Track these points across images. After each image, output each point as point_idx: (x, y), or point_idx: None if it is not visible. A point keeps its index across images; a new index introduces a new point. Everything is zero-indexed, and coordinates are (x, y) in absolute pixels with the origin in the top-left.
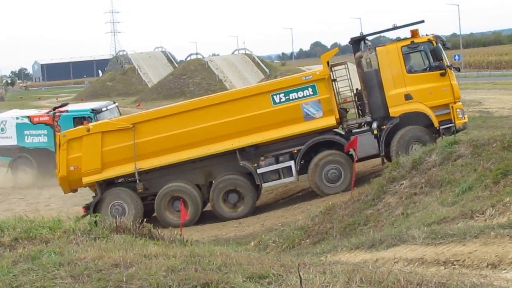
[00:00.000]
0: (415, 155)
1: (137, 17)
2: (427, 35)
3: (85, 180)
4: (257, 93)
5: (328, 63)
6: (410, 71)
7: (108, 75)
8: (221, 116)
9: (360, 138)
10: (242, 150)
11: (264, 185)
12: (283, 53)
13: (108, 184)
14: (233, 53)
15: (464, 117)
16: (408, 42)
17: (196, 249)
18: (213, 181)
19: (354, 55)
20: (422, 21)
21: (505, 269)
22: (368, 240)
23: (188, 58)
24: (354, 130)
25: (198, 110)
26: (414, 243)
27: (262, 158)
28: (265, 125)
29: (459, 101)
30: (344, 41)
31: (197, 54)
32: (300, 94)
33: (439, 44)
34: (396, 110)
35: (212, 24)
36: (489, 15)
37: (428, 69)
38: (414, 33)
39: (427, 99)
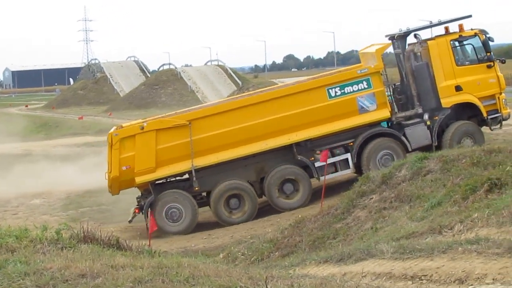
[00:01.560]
0: (385, 170)
1: (110, 26)
2: (472, 29)
3: (139, 179)
4: (313, 87)
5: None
6: (459, 64)
7: (79, 84)
8: (277, 111)
9: (413, 129)
10: (297, 144)
11: (322, 178)
12: (256, 65)
13: (157, 184)
14: (206, 64)
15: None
16: (457, 36)
17: (164, 260)
18: (268, 173)
19: (399, 50)
20: (470, 16)
21: (471, 285)
22: (336, 254)
23: (161, 68)
24: (407, 122)
25: (254, 105)
26: (383, 257)
27: (318, 151)
28: (321, 119)
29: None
30: (317, 54)
31: (169, 64)
32: (355, 87)
33: (486, 37)
34: (447, 101)
35: (185, 34)
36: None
37: (476, 61)
38: (461, 27)
39: (475, 90)
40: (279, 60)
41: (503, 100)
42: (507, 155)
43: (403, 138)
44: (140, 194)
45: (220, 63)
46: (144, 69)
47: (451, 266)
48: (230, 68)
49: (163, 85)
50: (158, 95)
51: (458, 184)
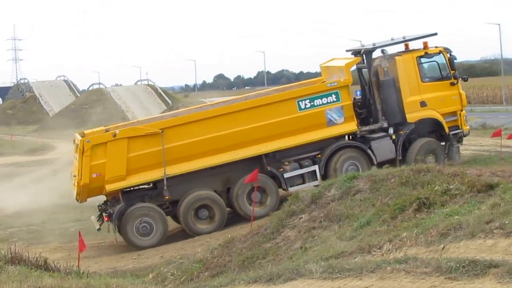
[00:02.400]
0: (315, 190)
1: (40, 45)
2: (436, 47)
3: (109, 187)
4: (283, 99)
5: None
6: (424, 80)
7: (8, 103)
8: (248, 122)
9: (379, 143)
10: (266, 155)
11: (290, 189)
12: (186, 85)
13: (125, 192)
14: (136, 83)
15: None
16: (423, 52)
17: (92, 281)
18: (236, 183)
19: (363, 65)
20: (435, 34)
21: None
22: (266, 273)
23: (91, 88)
24: (372, 136)
25: (227, 115)
26: (312, 277)
27: (286, 162)
28: (290, 130)
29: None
30: (248, 73)
31: (99, 84)
32: (325, 100)
33: (451, 55)
34: (412, 116)
35: (115, 54)
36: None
37: (440, 78)
38: (425, 45)
39: (439, 106)
40: (210, 80)
41: (464, 117)
42: (435, 175)
43: (369, 152)
44: (103, 201)
45: (150, 83)
46: (74, 88)
47: (380, 286)
48: (160, 88)
49: (93, 105)
50: (88, 114)
51: (387, 203)
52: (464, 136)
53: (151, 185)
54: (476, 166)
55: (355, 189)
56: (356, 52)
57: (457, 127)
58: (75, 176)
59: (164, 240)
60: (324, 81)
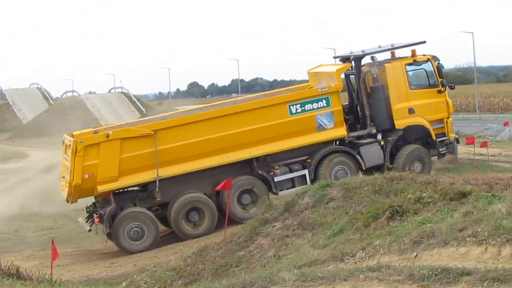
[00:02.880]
0: (288, 197)
1: (13, 52)
2: (424, 55)
3: (101, 188)
4: (275, 104)
5: (348, 74)
6: (412, 87)
7: None
8: (240, 125)
9: (368, 149)
10: (257, 159)
11: (280, 193)
12: (160, 93)
13: (115, 193)
14: (109, 91)
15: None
16: (411, 60)
17: None
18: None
19: (352, 71)
20: (424, 42)
21: None
22: (239, 282)
23: (64, 95)
24: (361, 141)
25: (219, 118)
26: (284, 285)
27: (276, 166)
28: (281, 134)
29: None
30: (222, 81)
31: (73, 91)
32: (315, 105)
33: (439, 63)
34: (401, 122)
35: (89, 61)
36: None
37: (428, 86)
38: (413, 53)
39: (427, 113)
40: (184, 87)
41: (450, 125)
42: (408, 183)
43: (358, 157)
44: (92, 203)
45: (124, 90)
46: (48, 96)
47: None
48: (134, 95)
49: (67, 113)
50: (62, 122)
51: (360, 211)
52: (451, 143)
53: (139, 187)
54: (449, 174)
55: (328, 197)
56: (345, 59)
57: (443, 134)
58: (63, 177)
59: (155, 244)
60: (312, 87)
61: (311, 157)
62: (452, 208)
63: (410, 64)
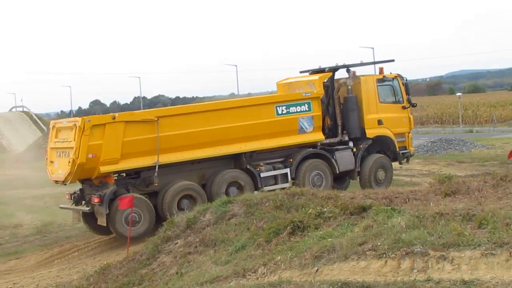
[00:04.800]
0: (189, 214)
1: None
2: (391, 73)
3: (103, 169)
4: (265, 103)
5: (323, 84)
6: (381, 101)
7: None
8: (234, 120)
9: (342, 154)
10: (245, 154)
11: (265, 188)
12: (62, 111)
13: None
14: (10, 110)
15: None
16: (381, 76)
17: None
18: (215, 177)
19: (326, 82)
20: (392, 60)
21: None
22: None
23: None
24: (336, 147)
25: (217, 111)
26: None
27: (261, 163)
28: (267, 133)
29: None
30: (124, 99)
31: None
32: (298, 108)
33: (406, 82)
34: (371, 132)
35: None
36: None
37: (394, 101)
38: (381, 70)
39: (392, 126)
40: (86, 106)
41: (411, 139)
42: (309, 198)
43: (333, 161)
44: (79, 189)
45: (25, 109)
46: None
47: None
48: (35, 114)
49: None
50: None
51: (261, 227)
52: (411, 156)
53: (133, 174)
54: (351, 188)
55: (230, 214)
56: (318, 71)
57: (405, 148)
58: (52, 161)
59: (151, 230)
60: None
61: (293, 157)
62: (353, 222)
63: (380, 80)
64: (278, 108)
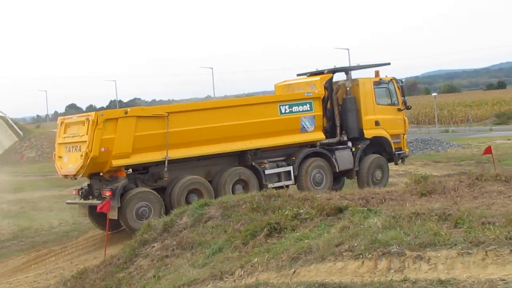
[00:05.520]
0: (166, 218)
1: None
2: (386, 76)
3: (115, 162)
4: (269, 102)
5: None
6: (378, 103)
7: None
8: (240, 118)
9: (342, 153)
10: (250, 152)
11: (269, 185)
12: (38, 115)
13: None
14: None
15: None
16: (378, 79)
17: None
18: (222, 173)
19: (328, 84)
20: (389, 63)
21: None
22: None
23: None
24: (336, 146)
25: (224, 108)
26: None
27: (265, 161)
28: (270, 131)
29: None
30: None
31: None
32: (301, 108)
33: (401, 84)
34: (369, 132)
35: None
36: None
37: (390, 103)
38: (377, 73)
39: (388, 127)
40: (62, 110)
41: (406, 140)
42: (286, 199)
43: (333, 160)
44: (87, 184)
45: (0, 114)
46: None
47: None
48: (11, 119)
49: None
50: None
51: (238, 229)
52: (406, 157)
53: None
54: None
55: (207, 216)
56: (314, 74)
57: (400, 149)
58: (60, 156)
59: None
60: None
61: (296, 155)
62: (329, 223)
63: (376, 82)
64: (281, 107)
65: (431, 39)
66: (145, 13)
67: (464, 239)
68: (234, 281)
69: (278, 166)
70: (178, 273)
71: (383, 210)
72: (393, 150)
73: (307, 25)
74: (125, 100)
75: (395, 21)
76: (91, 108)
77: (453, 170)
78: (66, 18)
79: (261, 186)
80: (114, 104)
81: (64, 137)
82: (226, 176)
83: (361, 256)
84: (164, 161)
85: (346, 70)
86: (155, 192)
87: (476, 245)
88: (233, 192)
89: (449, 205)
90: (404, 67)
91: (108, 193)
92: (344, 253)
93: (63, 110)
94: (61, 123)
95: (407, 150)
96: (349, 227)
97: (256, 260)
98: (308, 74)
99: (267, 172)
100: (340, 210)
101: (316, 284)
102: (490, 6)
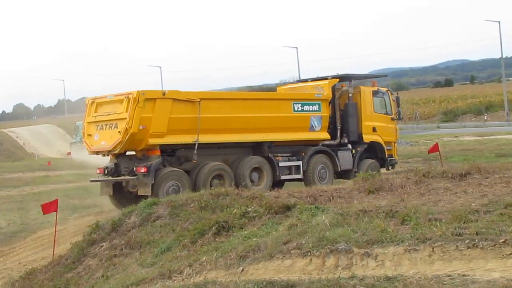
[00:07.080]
0: (115, 217)
1: None
2: (382, 87)
3: (151, 141)
4: (285, 98)
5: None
6: (375, 110)
7: None
8: (261, 111)
9: (344, 154)
10: (266, 144)
11: (282, 177)
12: None
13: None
14: None
15: None
16: (376, 88)
17: None
18: (239, 162)
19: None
20: (385, 75)
21: None
22: None
23: None
24: (338, 147)
25: (248, 100)
26: None
27: (278, 154)
28: (284, 126)
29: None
30: (48, 102)
31: None
32: (311, 107)
33: (397, 96)
34: (367, 137)
35: None
36: None
37: (384, 112)
38: (374, 83)
39: (383, 134)
40: (9, 110)
41: (396, 148)
42: (234, 198)
43: (336, 159)
44: (114, 163)
45: None
46: None
47: None
48: None
49: None
50: None
51: (187, 228)
52: (396, 163)
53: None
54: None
55: (155, 215)
56: (315, 80)
57: (391, 155)
58: (90, 135)
59: None
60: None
61: (305, 151)
62: (277, 221)
63: (375, 92)
64: (295, 105)
65: (379, 38)
66: (96, 11)
67: (411, 236)
68: (183, 280)
69: (289, 160)
70: (126, 273)
71: (331, 208)
72: (386, 156)
73: (251, 24)
74: (73, 100)
75: (343, 21)
76: (39, 108)
77: (401, 167)
78: (10, 14)
79: (274, 177)
80: (62, 104)
81: (96, 116)
82: (246, 163)
83: (309, 253)
84: (193, 145)
85: (350, 77)
86: (184, 172)
87: (423, 241)
88: (251, 180)
89: (396, 202)
90: (352, 66)
91: (143, 169)
92: (292, 251)
93: (11, 110)
94: (92, 102)
95: (397, 157)
96: (297, 225)
97: (204, 258)
98: (309, 80)
99: (281, 164)
100: (288, 208)
101: (264, 282)
102: (436, 4)
